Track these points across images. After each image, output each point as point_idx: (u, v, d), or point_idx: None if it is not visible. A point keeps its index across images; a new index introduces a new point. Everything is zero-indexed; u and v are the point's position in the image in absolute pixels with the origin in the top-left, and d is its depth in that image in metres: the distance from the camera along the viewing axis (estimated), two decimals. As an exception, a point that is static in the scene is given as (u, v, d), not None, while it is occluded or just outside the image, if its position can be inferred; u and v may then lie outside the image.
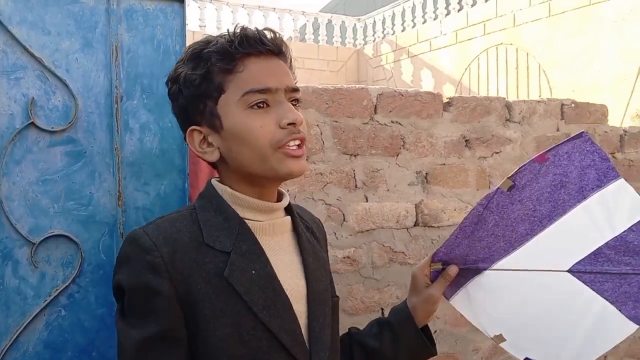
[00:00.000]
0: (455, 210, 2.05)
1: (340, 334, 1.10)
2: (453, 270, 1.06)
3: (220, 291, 0.92)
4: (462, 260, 1.02)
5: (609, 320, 0.95)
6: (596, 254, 0.93)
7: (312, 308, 0.99)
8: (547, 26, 7.41)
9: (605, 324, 0.96)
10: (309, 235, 1.10)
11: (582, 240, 0.94)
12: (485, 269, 1.02)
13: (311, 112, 1.79)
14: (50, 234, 1.20)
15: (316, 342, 0.97)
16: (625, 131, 2.44)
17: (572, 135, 0.94)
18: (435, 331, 1.99)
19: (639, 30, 6.19)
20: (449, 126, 2.04)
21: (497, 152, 2.14)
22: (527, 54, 7.64)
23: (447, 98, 2.08)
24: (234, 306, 0.92)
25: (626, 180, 2.34)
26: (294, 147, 0.97)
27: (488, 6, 8.43)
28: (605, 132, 2.38)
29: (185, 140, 1.02)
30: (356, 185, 1.87)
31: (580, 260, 0.95)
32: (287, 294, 0.96)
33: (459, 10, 9.36)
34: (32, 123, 1.18)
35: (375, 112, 1.90)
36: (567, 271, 0.96)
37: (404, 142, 1.95)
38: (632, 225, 0.90)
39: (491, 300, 1.02)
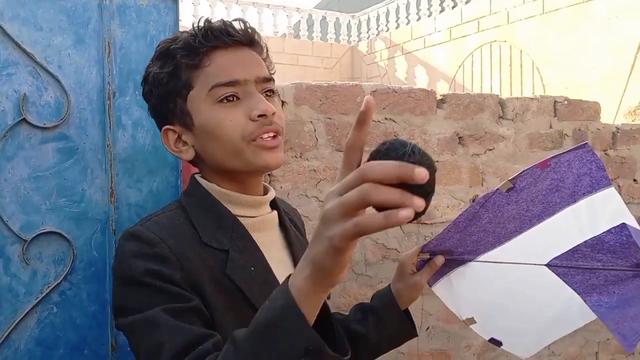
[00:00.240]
0: (448, 207, 2.05)
1: None
2: (440, 260, 1.08)
3: (224, 288, 0.91)
4: (450, 252, 1.06)
5: (573, 309, 1.02)
6: (574, 250, 0.99)
7: None
8: (541, 23, 7.43)
9: (568, 311, 1.02)
10: (294, 230, 1.10)
11: (564, 238, 0.99)
12: (470, 261, 1.06)
13: (305, 109, 1.79)
14: (42, 231, 1.19)
15: None
16: (618, 128, 2.46)
17: (575, 145, 0.98)
18: (428, 328, 1.99)
19: (631, 27, 6.21)
20: (442, 123, 2.04)
21: (491, 149, 2.14)
22: (521, 51, 7.66)
23: (440, 95, 2.08)
24: (237, 303, 0.91)
25: (618, 176, 2.35)
26: (268, 139, 0.95)
27: (482, 3, 8.45)
28: (598, 129, 2.39)
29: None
30: (350, 182, 1.87)
31: (558, 256, 1.00)
32: None
33: (453, 8, 9.38)
34: (24, 119, 1.17)
35: (369, 109, 1.90)
36: (545, 265, 1.02)
37: (397, 139, 1.95)
38: (612, 228, 0.95)
39: (470, 287, 1.08)
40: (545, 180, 0.98)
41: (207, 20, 0.98)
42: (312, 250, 0.62)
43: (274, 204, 1.08)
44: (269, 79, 1.00)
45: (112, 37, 1.25)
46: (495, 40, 8.12)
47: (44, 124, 1.19)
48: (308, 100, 1.80)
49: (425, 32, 9.58)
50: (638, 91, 6.07)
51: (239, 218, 0.99)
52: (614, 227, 0.94)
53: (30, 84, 1.18)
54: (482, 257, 1.05)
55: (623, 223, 0.94)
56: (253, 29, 1.01)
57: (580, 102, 2.37)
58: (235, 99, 0.95)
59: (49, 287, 1.20)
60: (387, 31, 10.94)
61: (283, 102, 1.68)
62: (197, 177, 1.03)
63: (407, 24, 10.51)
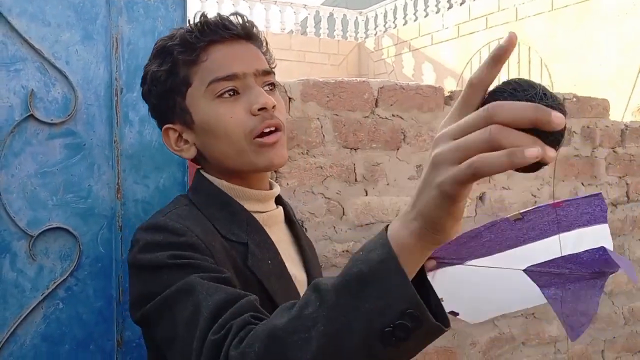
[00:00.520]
0: (455, 204, 2.04)
1: None
2: (430, 264, 1.08)
3: (245, 280, 0.89)
4: (441, 257, 1.09)
5: (530, 293, 1.08)
6: (550, 261, 1.04)
7: None
8: (549, 20, 7.38)
9: (524, 293, 1.09)
10: (299, 225, 1.10)
11: (547, 254, 1.04)
12: (457, 264, 1.11)
13: (312, 106, 1.79)
14: (48, 227, 1.19)
15: None
16: (627, 126, 2.44)
17: (589, 194, 1.04)
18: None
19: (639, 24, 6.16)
20: (449, 120, 2.03)
21: (498, 147, 2.13)
22: (529, 47, 7.62)
23: (448, 92, 2.07)
24: (257, 295, 0.91)
25: (626, 174, 2.36)
26: (268, 134, 0.92)
27: (490, 0, 8.40)
28: (607, 126, 2.37)
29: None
30: (356, 179, 1.87)
31: (535, 264, 1.06)
32: None
33: (461, 4, 9.33)
34: (32, 115, 1.17)
35: (376, 106, 1.89)
36: (522, 270, 1.07)
37: (404, 136, 1.94)
38: (590, 249, 0.99)
39: (449, 281, 1.12)
40: (551, 215, 1.02)
41: (203, 15, 0.96)
42: (419, 200, 0.56)
43: (278, 200, 1.07)
44: (269, 72, 0.97)
45: (120, 33, 1.25)
46: (504, 37, 8.07)
47: (52, 120, 1.19)
48: (315, 96, 1.80)
49: (432, 29, 9.54)
50: (647, 89, 6.03)
51: (252, 213, 0.98)
52: (592, 249, 0.98)
53: (38, 80, 1.18)
54: (468, 262, 1.09)
55: (603, 246, 0.97)
56: (251, 22, 0.99)
57: (589, 99, 2.35)
58: (235, 93, 0.93)
59: (55, 282, 1.20)
60: (394, 28, 10.90)
61: (290, 99, 1.67)
62: (203, 172, 1.01)
63: (414, 20, 10.46)
